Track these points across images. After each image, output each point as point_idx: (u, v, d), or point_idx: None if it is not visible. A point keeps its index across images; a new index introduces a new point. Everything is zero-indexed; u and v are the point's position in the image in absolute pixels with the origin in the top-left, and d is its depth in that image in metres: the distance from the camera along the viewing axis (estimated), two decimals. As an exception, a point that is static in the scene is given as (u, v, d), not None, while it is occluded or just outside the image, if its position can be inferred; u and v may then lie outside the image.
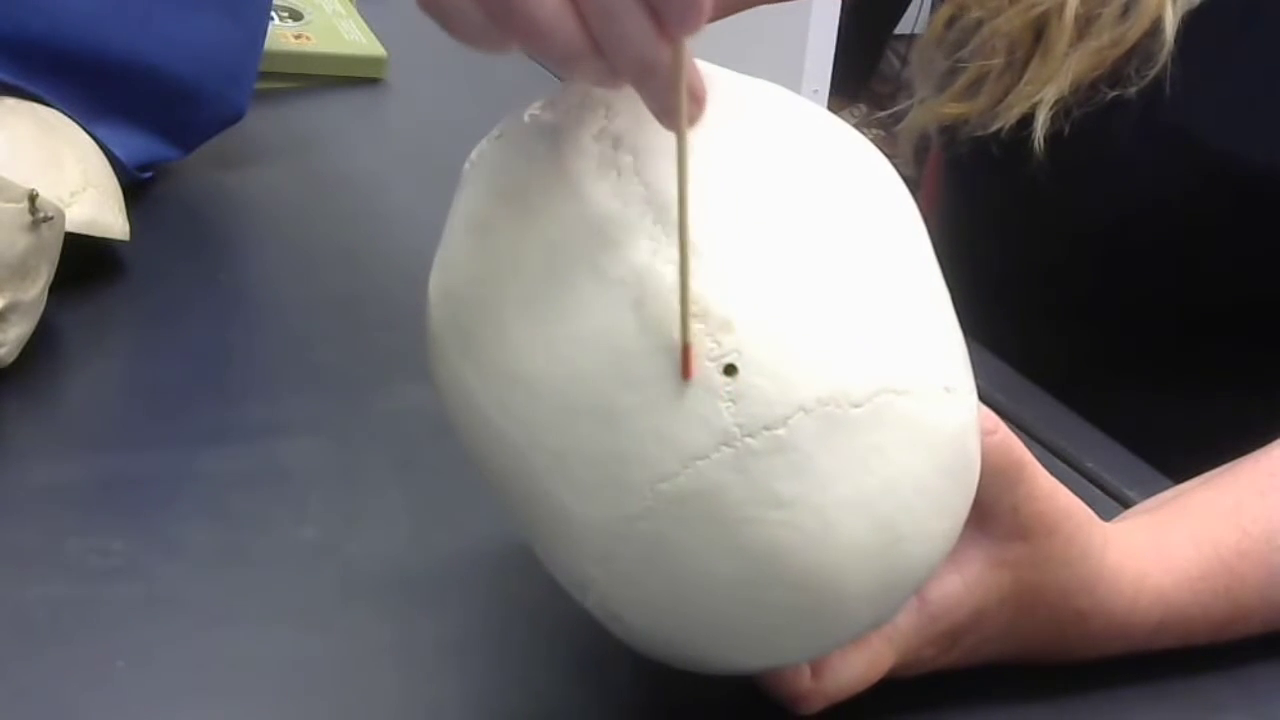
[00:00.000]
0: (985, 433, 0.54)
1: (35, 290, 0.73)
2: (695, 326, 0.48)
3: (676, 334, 0.48)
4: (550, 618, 0.62)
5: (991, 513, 0.56)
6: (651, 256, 0.48)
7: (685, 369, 0.48)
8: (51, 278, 0.74)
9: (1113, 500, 0.72)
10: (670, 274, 0.48)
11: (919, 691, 0.58)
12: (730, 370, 0.48)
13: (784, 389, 0.48)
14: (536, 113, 0.53)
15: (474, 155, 0.55)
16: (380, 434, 0.73)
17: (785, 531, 0.48)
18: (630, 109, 0.50)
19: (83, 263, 0.80)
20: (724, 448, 0.48)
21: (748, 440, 0.48)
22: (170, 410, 0.74)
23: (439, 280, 0.54)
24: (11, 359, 0.72)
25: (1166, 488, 0.68)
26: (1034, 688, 0.60)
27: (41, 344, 0.75)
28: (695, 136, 0.48)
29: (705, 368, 0.48)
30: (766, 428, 0.48)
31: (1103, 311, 0.89)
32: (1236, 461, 0.66)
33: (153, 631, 0.60)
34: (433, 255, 0.55)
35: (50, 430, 0.73)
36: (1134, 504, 0.70)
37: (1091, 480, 0.73)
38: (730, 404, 0.48)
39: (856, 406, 0.48)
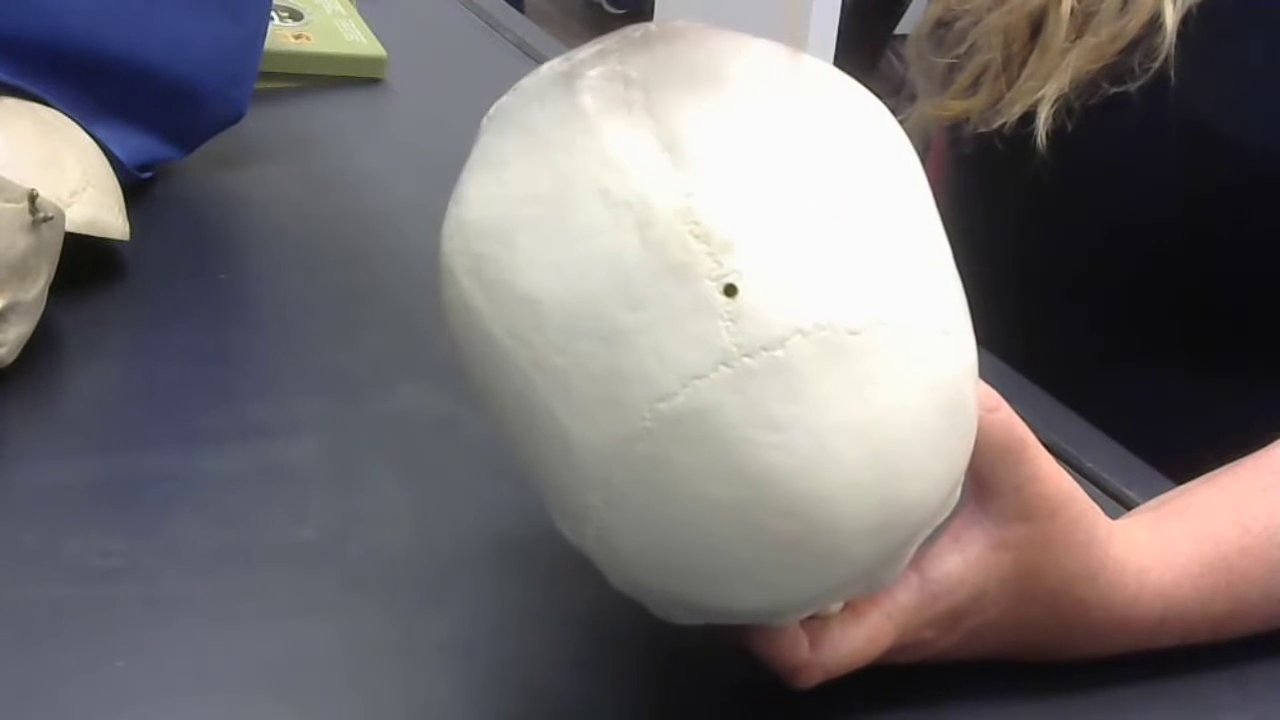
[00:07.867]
0: (988, 409, 0.54)
1: (35, 290, 0.73)
2: (697, 247, 0.48)
3: (679, 255, 0.48)
4: (550, 617, 0.62)
5: (994, 491, 0.56)
6: (656, 182, 0.49)
7: None
8: (51, 278, 0.74)
9: (1113, 500, 0.72)
10: (675, 198, 0.49)
11: (919, 689, 0.59)
12: (730, 290, 0.48)
13: (782, 311, 0.48)
14: (554, 64, 0.54)
15: (492, 110, 0.56)
16: (380, 434, 0.73)
17: (780, 455, 0.48)
18: (642, 57, 0.52)
19: (83, 263, 0.80)
20: (722, 367, 0.48)
21: (745, 360, 0.48)
22: (170, 410, 0.74)
23: (453, 213, 0.55)
24: (11, 359, 0.72)
25: (1167, 488, 0.68)
26: (1034, 687, 0.60)
27: (41, 344, 0.75)
28: (704, 73, 0.50)
29: (706, 287, 0.48)
30: (764, 348, 0.48)
31: (1109, 305, 0.89)
32: (1238, 460, 0.65)
33: (153, 631, 0.60)
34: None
35: (50, 430, 0.73)
36: (1134, 504, 0.70)
37: (1091, 480, 0.73)
38: (729, 323, 0.48)
39: (854, 334, 0.49)
